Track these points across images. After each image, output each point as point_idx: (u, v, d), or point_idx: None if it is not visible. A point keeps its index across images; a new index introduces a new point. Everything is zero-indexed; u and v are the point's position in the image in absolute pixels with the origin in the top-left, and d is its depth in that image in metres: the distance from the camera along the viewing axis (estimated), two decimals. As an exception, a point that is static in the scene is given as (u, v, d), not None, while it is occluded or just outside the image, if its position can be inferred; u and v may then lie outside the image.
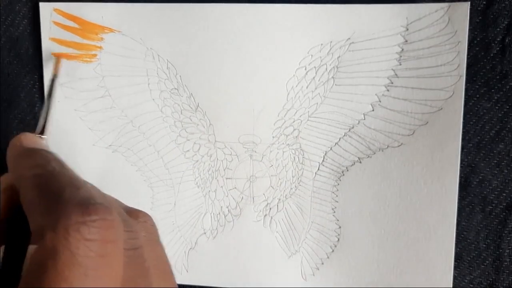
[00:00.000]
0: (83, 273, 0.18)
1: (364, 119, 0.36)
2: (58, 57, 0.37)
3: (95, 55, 0.37)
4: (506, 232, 0.36)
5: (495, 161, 0.35)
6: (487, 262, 0.36)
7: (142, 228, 0.23)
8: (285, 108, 0.36)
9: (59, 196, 0.20)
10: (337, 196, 0.37)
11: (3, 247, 0.23)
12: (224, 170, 0.38)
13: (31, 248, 0.19)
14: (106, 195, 0.23)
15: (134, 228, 0.21)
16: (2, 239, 0.23)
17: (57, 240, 0.18)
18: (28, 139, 0.25)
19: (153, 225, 0.24)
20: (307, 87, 0.36)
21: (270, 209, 0.38)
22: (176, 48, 0.37)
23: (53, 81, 0.36)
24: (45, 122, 0.32)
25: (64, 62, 0.38)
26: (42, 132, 0.32)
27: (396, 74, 0.35)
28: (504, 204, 0.35)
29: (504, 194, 0.35)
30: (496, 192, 0.35)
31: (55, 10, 0.37)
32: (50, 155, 0.24)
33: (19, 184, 0.22)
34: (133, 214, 0.23)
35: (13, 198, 0.22)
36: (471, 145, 0.35)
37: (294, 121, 0.36)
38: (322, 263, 0.37)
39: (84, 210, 0.19)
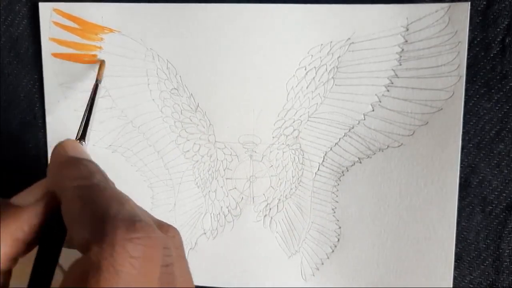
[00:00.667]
0: None
1: (364, 119, 0.36)
2: (102, 61, 0.37)
3: (95, 55, 0.37)
4: (506, 232, 0.36)
5: (495, 161, 0.35)
6: (487, 262, 0.36)
7: (172, 243, 0.23)
8: (285, 108, 0.36)
9: (105, 211, 0.20)
10: (337, 196, 0.37)
11: (36, 249, 0.23)
12: (224, 170, 0.38)
13: (65, 251, 0.19)
14: (142, 210, 0.23)
15: (168, 245, 0.22)
16: (36, 242, 0.23)
17: (102, 255, 0.18)
18: (72, 146, 0.26)
19: (180, 239, 0.24)
20: (307, 87, 0.36)
21: (270, 209, 0.38)
22: (176, 48, 0.37)
23: (96, 86, 0.35)
24: (86, 127, 0.32)
25: (64, 63, 0.38)
26: (82, 137, 0.31)
27: (396, 74, 0.35)
28: (504, 204, 0.35)
29: (504, 194, 0.35)
30: (496, 192, 0.35)
31: (55, 10, 0.37)
32: (95, 167, 0.24)
33: (61, 192, 0.22)
34: (163, 228, 0.23)
35: (52, 204, 0.23)
36: (471, 145, 0.35)
37: (294, 121, 0.36)
38: (322, 263, 0.37)
39: (130, 227, 0.19)
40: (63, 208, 0.22)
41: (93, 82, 0.38)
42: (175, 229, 0.24)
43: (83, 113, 0.33)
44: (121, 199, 0.21)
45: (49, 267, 0.22)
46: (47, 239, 0.23)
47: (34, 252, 0.23)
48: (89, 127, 0.32)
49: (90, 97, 0.34)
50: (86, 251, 0.19)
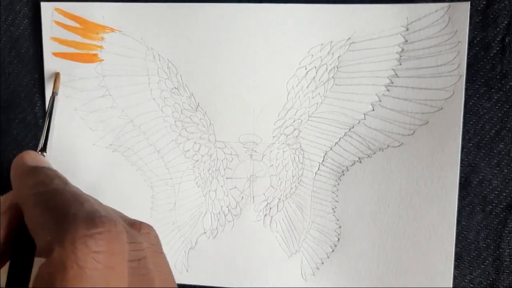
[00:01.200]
0: (91, 286, 0.18)
1: (364, 119, 0.36)
2: (57, 74, 0.38)
3: (96, 54, 0.37)
4: (506, 232, 0.36)
5: (495, 161, 0.35)
6: (487, 262, 0.36)
7: (146, 239, 0.23)
8: (285, 108, 0.36)
9: (64, 211, 0.20)
10: (337, 196, 0.37)
11: (8, 264, 0.23)
12: (224, 169, 0.38)
13: (38, 261, 0.19)
14: (108, 208, 0.23)
15: (137, 240, 0.22)
16: (7, 256, 0.23)
17: (65, 254, 0.18)
18: (31, 157, 0.26)
19: (156, 236, 0.24)
20: (307, 87, 0.36)
21: (270, 208, 0.38)
22: (176, 47, 0.37)
23: (53, 98, 0.36)
24: (46, 139, 0.33)
25: (65, 62, 0.38)
26: (44, 149, 0.32)
27: (396, 74, 0.35)
28: (504, 204, 0.35)
29: (504, 194, 0.35)
30: (496, 192, 0.35)
31: (56, 9, 0.37)
32: (52, 173, 0.24)
33: (23, 202, 0.22)
34: (135, 226, 0.23)
35: (17, 216, 0.23)
36: (471, 145, 0.35)
37: (294, 121, 0.36)
38: (322, 263, 0.37)
39: (90, 223, 0.19)
40: (26, 217, 0.22)
41: (95, 81, 0.38)
42: (149, 226, 0.24)
43: (44, 125, 0.34)
44: (80, 199, 0.21)
45: (22, 280, 0.22)
46: (17, 252, 0.23)
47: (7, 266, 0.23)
48: (49, 138, 0.33)
49: (48, 109, 0.35)
50: (49, 254, 0.19)
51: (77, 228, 0.19)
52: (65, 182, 0.23)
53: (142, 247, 0.22)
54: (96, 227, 0.19)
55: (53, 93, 0.36)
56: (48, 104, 0.35)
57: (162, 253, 0.24)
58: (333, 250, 0.37)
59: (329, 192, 0.37)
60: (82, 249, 0.18)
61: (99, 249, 0.19)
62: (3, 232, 0.22)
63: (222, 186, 0.38)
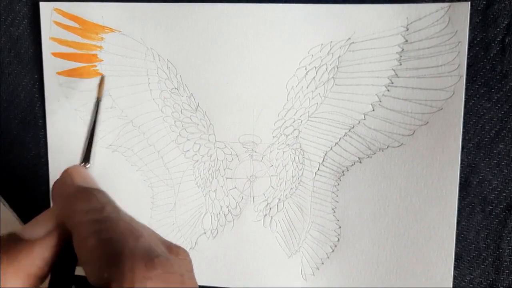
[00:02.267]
0: None
1: (364, 119, 0.36)
2: (102, 78, 0.36)
3: (95, 54, 0.37)
4: (506, 232, 0.36)
5: (495, 161, 0.35)
6: (487, 262, 0.36)
7: (183, 265, 0.23)
8: (285, 108, 0.36)
9: (121, 247, 0.20)
10: (337, 196, 0.37)
11: (47, 281, 0.23)
12: (224, 170, 0.38)
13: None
14: (153, 235, 0.23)
15: (182, 271, 0.21)
16: (48, 274, 0.22)
17: None
18: (79, 174, 0.25)
19: (191, 261, 0.24)
20: (307, 87, 0.36)
21: (270, 209, 0.38)
22: (176, 47, 0.37)
23: (97, 105, 0.34)
24: (89, 149, 0.31)
25: (64, 62, 0.38)
26: (87, 160, 0.30)
27: (396, 74, 0.35)
28: (504, 204, 0.35)
29: (504, 194, 0.35)
30: (496, 192, 0.35)
31: (56, 9, 0.37)
32: (105, 198, 0.24)
33: (73, 227, 0.22)
34: (173, 251, 0.23)
35: (64, 236, 0.22)
36: (471, 145, 0.35)
37: (294, 121, 0.36)
38: (322, 263, 0.37)
39: (149, 264, 0.19)
40: (76, 243, 0.21)
41: (94, 82, 0.38)
42: (185, 251, 0.24)
43: (86, 134, 0.32)
44: (136, 232, 0.21)
45: None
46: (59, 270, 0.23)
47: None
48: (92, 148, 0.31)
49: (92, 116, 0.33)
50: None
51: (136, 269, 0.19)
52: (117, 209, 0.23)
53: (185, 278, 0.22)
54: (155, 269, 0.19)
55: (97, 98, 0.35)
56: (93, 111, 0.33)
57: (195, 279, 0.24)
58: (333, 250, 0.37)
59: (329, 192, 0.37)
60: None
61: None
62: (49, 251, 0.22)
63: (222, 186, 0.38)
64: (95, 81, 0.38)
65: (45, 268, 0.22)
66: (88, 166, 0.30)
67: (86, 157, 0.30)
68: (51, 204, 0.39)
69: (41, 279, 0.22)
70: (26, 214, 0.40)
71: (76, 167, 0.26)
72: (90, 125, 0.33)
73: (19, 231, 0.23)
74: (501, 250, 0.36)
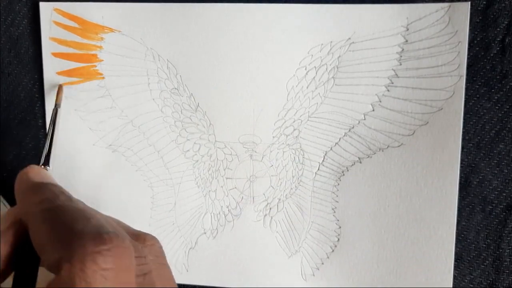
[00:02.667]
0: None
1: (364, 119, 0.36)
2: (60, 86, 0.37)
3: (95, 55, 0.37)
4: (506, 232, 0.36)
5: (495, 161, 0.35)
6: (487, 262, 0.36)
7: (150, 252, 0.23)
8: (285, 108, 0.36)
9: (71, 228, 0.20)
10: (337, 196, 0.37)
11: (12, 276, 0.23)
12: (224, 170, 0.38)
13: (41, 273, 0.19)
14: (113, 221, 0.23)
15: (143, 253, 0.22)
16: (9, 271, 0.23)
17: (74, 271, 0.18)
18: (35, 172, 0.26)
19: (160, 247, 0.24)
20: (307, 87, 0.36)
21: (270, 209, 0.38)
22: (176, 48, 0.37)
23: (56, 110, 0.35)
24: (49, 152, 0.32)
25: (65, 63, 0.38)
26: (46, 162, 0.31)
27: (396, 74, 0.35)
28: (504, 204, 0.35)
29: (504, 194, 0.35)
30: (496, 192, 0.35)
31: (55, 9, 0.37)
32: (57, 189, 0.24)
33: (28, 218, 0.22)
34: (140, 238, 0.23)
35: (21, 231, 0.23)
36: (471, 145, 0.35)
37: (294, 121, 0.36)
38: (322, 263, 0.37)
39: (98, 240, 0.19)
40: (31, 234, 0.22)
41: (94, 82, 0.38)
42: (153, 237, 0.24)
43: (46, 138, 0.33)
44: (87, 215, 0.21)
45: None
46: (21, 266, 0.23)
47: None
48: (51, 151, 0.32)
49: (51, 122, 0.35)
50: (58, 271, 0.19)
51: (85, 245, 0.19)
52: (70, 198, 0.23)
53: (147, 261, 0.22)
54: (104, 244, 0.19)
55: (56, 105, 0.36)
56: (51, 117, 0.35)
57: (166, 264, 0.24)
58: (333, 250, 0.37)
59: (329, 192, 0.37)
60: (91, 266, 0.19)
61: (107, 266, 0.19)
62: (6, 248, 0.22)
63: (222, 186, 0.38)
64: (96, 82, 0.38)
65: (4, 264, 0.22)
66: (48, 168, 0.31)
67: (46, 160, 0.31)
68: None
69: (2, 275, 0.22)
70: (26, 214, 0.40)
71: (33, 166, 0.26)
72: (49, 129, 0.34)
73: None
74: (501, 250, 0.36)
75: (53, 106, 0.36)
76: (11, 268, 0.23)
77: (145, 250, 0.22)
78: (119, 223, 0.24)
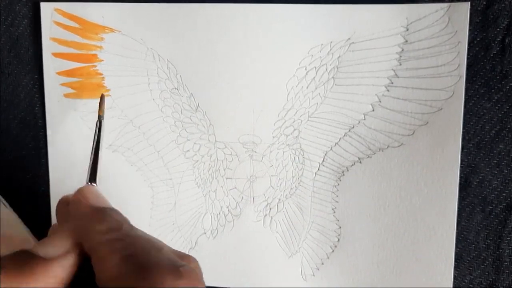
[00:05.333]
0: None
1: (364, 119, 0.36)
2: (102, 96, 0.35)
3: (95, 55, 0.37)
4: (506, 232, 0.36)
5: (495, 161, 0.35)
6: (487, 262, 0.36)
7: (198, 273, 0.23)
8: (285, 108, 0.36)
9: (147, 261, 0.20)
10: (337, 196, 0.37)
11: None
12: (224, 170, 0.38)
13: None
14: (166, 246, 0.23)
15: (202, 281, 0.22)
16: None
17: None
18: (93, 194, 0.26)
19: (200, 269, 0.25)
20: (307, 87, 0.36)
21: (270, 209, 0.38)
22: (176, 48, 0.37)
23: (100, 123, 0.33)
24: (95, 168, 0.31)
25: (65, 63, 0.38)
26: (93, 179, 0.30)
27: (396, 74, 0.35)
28: (504, 204, 0.35)
29: (504, 194, 0.35)
30: (496, 192, 0.35)
31: (56, 10, 0.37)
32: (120, 216, 0.24)
33: (91, 247, 0.22)
34: (185, 259, 0.23)
35: (82, 255, 0.23)
36: (471, 145, 0.35)
37: (294, 121, 0.36)
38: (322, 263, 0.37)
39: (176, 274, 0.20)
40: (96, 264, 0.22)
41: (94, 82, 0.38)
42: (195, 259, 0.24)
43: (90, 153, 0.32)
44: (157, 245, 0.22)
45: None
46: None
47: None
48: (98, 168, 0.31)
49: (95, 135, 0.33)
50: None
51: (164, 280, 0.19)
52: (131, 225, 0.24)
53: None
54: (182, 279, 0.20)
55: (99, 117, 0.34)
56: (95, 130, 0.33)
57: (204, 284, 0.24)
58: (333, 251, 0.37)
59: (329, 192, 0.37)
60: None
61: None
62: (66, 272, 0.22)
63: (222, 187, 0.38)
64: (95, 80, 0.38)
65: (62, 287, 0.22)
66: (95, 185, 0.30)
67: (93, 177, 0.30)
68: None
69: None
70: (26, 214, 0.40)
71: (89, 187, 0.26)
72: (93, 144, 0.32)
73: (33, 249, 0.22)
74: (501, 250, 0.36)
75: (54, 106, 0.36)
76: None
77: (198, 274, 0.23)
78: (168, 246, 0.24)
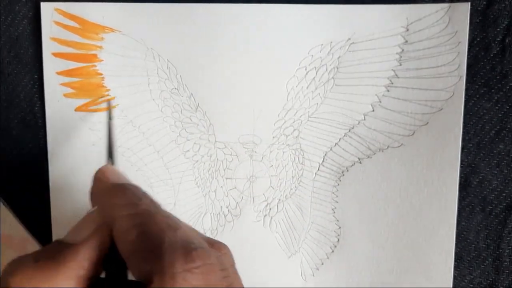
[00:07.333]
0: None
1: (364, 119, 0.36)
2: (111, 99, 0.37)
3: (95, 54, 0.37)
4: (506, 232, 0.36)
5: (495, 161, 0.35)
6: (487, 262, 0.36)
7: (226, 260, 0.23)
8: (285, 108, 0.36)
9: (161, 240, 0.20)
10: (337, 196, 0.37)
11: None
12: (224, 170, 0.38)
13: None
14: (193, 230, 0.23)
15: (225, 266, 0.22)
16: (99, 272, 0.23)
17: (164, 286, 0.19)
18: (112, 172, 0.26)
19: (232, 256, 0.24)
20: (307, 87, 0.36)
21: (270, 209, 0.38)
22: (176, 48, 0.37)
23: (109, 125, 0.35)
24: (112, 148, 0.32)
25: (65, 63, 0.38)
26: (110, 158, 0.31)
27: (396, 75, 0.35)
28: (504, 204, 0.35)
29: (504, 194, 0.35)
30: (496, 192, 0.35)
31: (56, 9, 0.37)
32: (140, 191, 0.24)
33: (113, 222, 0.22)
34: (215, 246, 0.23)
35: (107, 234, 0.23)
36: (471, 145, 0.35)
37: (294, 121, 0.36)
38: (322, 264, 0.37)
39: (188, 257, 0.20)
40: (117, 237, 0.22)
41: (94, 81, 0.38)
42: (225, 245, 0.24)
43: (106, 134, 0.32)
44: (174, 225, 0.22)
45: None
46: (111, 268, 0.23)
47: None
48: (113, 147, 0.32)
49: (108, 117, 0.34)
50: (148, 282, 0.19)
51: (176, 262, 0.19)
52: (153, 202, 0.24)
53: (229, 273, 0.22)
54: (194, 262, 0.20)
55: (110, 118, 0.35)
56: (107, 132, 0.34)
57: (238, 273, 0.24)
58: (333, 251, 0.37)
59: (329, 192, 0.37)
60: (182, 283, 0.19)
61: (197, 283, 0.19)
62: (94, 254, 0.22)
63: (222, 187, 0.38)
64: (95, 80, 0.38)
65: (93, 268, 0.22)
66: (113, 164, 0.31)
67: (110, 156, 0.31)
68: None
69: (91, 279, 0.22)
70: (26, 214, 0.40)
71: (108, 166, 0.27)
72: (108, 126, 0.34)
73: (63, 237, 0.23)
74: (501, 250, 0.36)
75: (54, 106, 0.36)
76: (101, 270, 0.23)
77: (225, 261, 0.22)
78: (194, 230, 0.24)
